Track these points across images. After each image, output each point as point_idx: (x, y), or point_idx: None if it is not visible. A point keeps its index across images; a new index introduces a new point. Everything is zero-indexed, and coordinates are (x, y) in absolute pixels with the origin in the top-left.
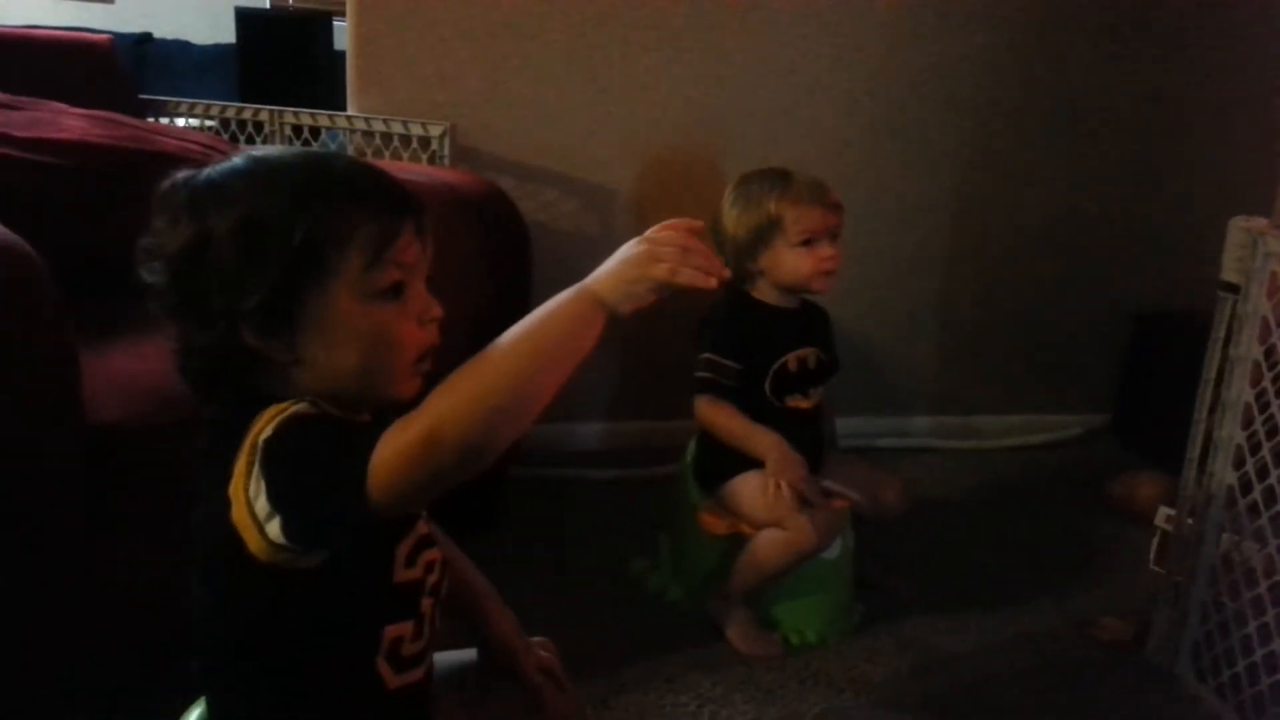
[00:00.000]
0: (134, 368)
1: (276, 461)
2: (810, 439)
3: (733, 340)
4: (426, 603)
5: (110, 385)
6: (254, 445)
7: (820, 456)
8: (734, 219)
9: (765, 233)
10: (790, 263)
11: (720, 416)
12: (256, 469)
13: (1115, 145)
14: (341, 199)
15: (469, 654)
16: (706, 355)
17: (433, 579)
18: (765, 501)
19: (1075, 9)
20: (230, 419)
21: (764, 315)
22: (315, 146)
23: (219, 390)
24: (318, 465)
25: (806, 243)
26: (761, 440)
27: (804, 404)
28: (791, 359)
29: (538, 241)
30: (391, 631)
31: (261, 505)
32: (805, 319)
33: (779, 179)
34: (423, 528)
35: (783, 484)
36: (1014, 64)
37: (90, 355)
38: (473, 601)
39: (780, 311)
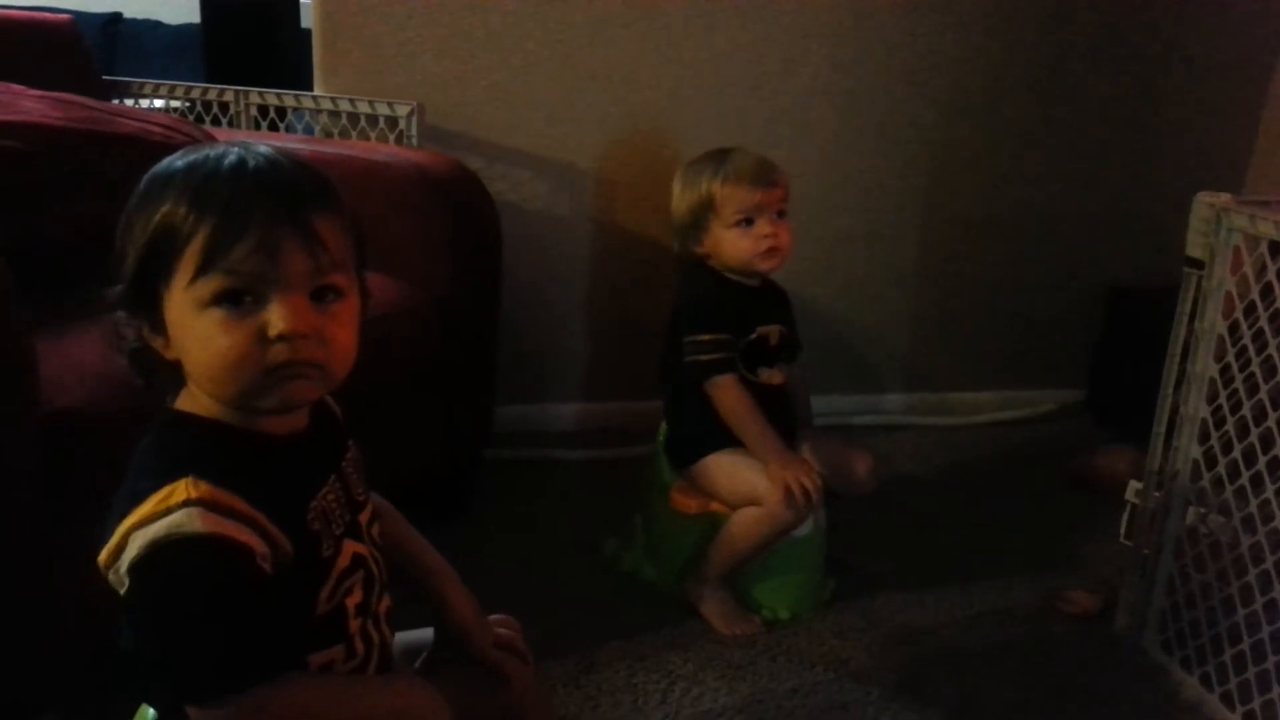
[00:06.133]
0: (91, 353)
1: (137, 605)
2: (782, 414)
3: (714, 314)
4: (355, 624)
5: (68, 371)
6: (122, 540)
7: (793, 434)
8: (676, 200)
9: (702, 214)
10: (729, 244)
11: (743, 405)
12: (122, 582)
13: (1088, 124)
14: (186, 201)
15: (426, 633)
16: (703, 336)
17: (356, 600)
18: (742, 479)
19: None
20: (151, 435)
21: (732, 290)
22: (282, 128)
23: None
24: (166, 644)
25: (744, 222)
26: (768, 446)
27: (776, 379)
28: (761, 332)
29: (508, 223)
30: (319, 659)
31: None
32: (767, 297)
33: (717, 158)
34: (344, 559)
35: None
36: (982, 47)
37: (48, 341)
38: (427, 581)
39: (745, 287)
